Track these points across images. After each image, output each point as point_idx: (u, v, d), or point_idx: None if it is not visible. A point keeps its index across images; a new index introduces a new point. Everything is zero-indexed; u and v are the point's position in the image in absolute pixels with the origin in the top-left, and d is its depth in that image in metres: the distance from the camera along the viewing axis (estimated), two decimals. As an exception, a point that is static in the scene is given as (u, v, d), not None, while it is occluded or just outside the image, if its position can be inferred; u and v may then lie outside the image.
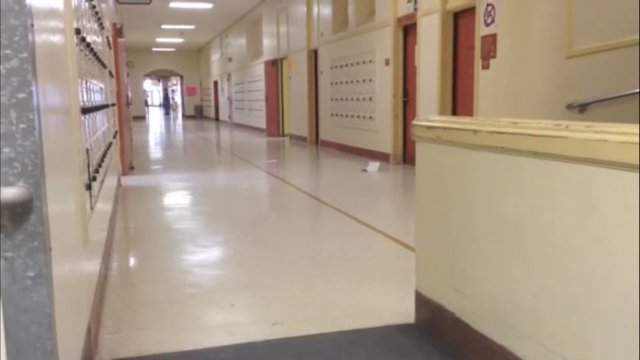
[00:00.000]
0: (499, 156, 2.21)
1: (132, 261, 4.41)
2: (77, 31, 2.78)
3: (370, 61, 10.31)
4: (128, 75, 13.41)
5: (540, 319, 2.04)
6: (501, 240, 2.23)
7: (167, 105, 40.02)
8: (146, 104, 37.62)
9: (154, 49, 29.94)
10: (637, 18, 5.90)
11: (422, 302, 2.84)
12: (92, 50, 3.61)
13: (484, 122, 2.36)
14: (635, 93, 5.96)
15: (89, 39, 3.39)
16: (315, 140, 13.79)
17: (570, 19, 6.10)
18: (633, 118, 4.91)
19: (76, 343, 2.05)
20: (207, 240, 4.82)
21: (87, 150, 2.92)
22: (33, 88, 1.35)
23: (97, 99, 4.06)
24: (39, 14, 1.58)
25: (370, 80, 10.35)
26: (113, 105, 6.82)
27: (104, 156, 4.05)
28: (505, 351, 2.22)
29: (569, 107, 6.09)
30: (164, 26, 21.16)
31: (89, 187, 2.83)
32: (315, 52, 13.45)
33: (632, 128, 1.68)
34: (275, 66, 16.64)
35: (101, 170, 3.64)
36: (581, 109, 6.07)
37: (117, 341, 2.78)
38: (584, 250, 1.85)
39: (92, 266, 2.96)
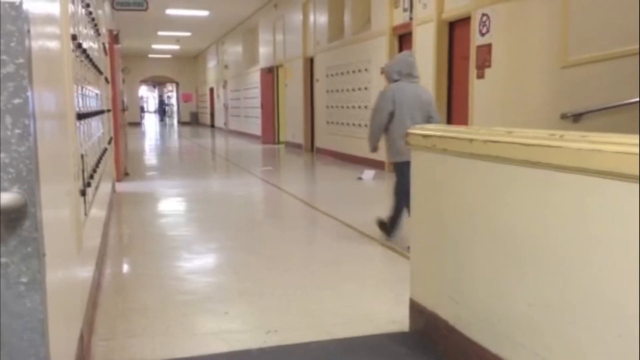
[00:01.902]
0: (494, 165, 2.22)
1: (125, 268, 4.39)
2: (74, 37, 2.78)
3: (365, 69, 10.34)
4: (124, 81, 13.41)
5: (535, 328, 2.04)
6: (496, 248, 2.24)
7: (162, 111, 39.96)
8: (142, 110, 37.55)
9: (150, 56, 29.94)
10: (631, 29, 5.94)
11: (417, 311, 2.83)
12: (88, 56, 3.61)
13: (478, 131, 2.37)
14: (628, 103, 6.00)
15: (85, 45, 3.39)
16: (311, 148, 13.80)
17: (566, 29, 6.14)
18: (627, 128, 4.94)
19: (69, 350, 2.04)
20: (201, 248, 4.81)
21: (82, 156, 2.91)
22: (29, 94, 1.35)
23: (93, 104, 4.06)
24: (36, 20, 1.59)
25: (365, 88, 10.38)
26: (108, 111, 6.82)
27: (98, 162, 4.05)
28: (500, 360, 2.21)
29: (563, 116, 6.12)
30: (160, 33, 21.18)
31: (83, 193, 2.82)
32: (311, 60, 13.48)
33: (626, 138, 1.69)
34: (271, 74, 16.66)
35: (96, 176, 3.63)
36: (575, 118, 6.10)
37: (110, 348, 2.77)
38: (579, 259, 1.85)
39: (86, 272, 2.95)
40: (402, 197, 4.47)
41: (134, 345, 2.79)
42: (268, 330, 2.95)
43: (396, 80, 4.59)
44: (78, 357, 2.22)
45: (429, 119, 4.49)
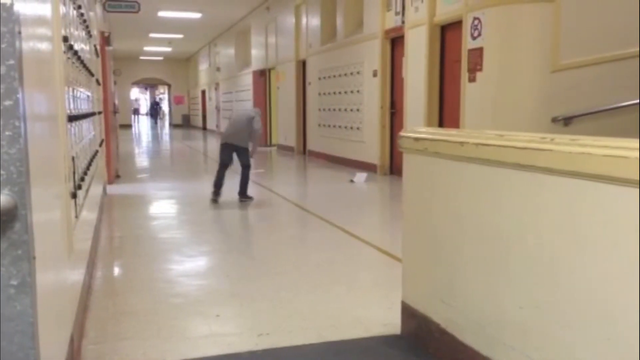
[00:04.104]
0: (485, 168, 2.23)
1: (116, 271, 4.37)
2: (65, 39, 2.77)
3: (358, 72, 10.36)
4: (115, 83, 13.36)
5: (525, 331, 2.05)
6: (488, 251, 2.25)
7: (154, 114, 39.83)
8: (135, 113, 37.38)
9: (142, 58, 29.85)
10: (621, 33, 5.99)
11: (409, 313, 2.84)
12: (79, 58, 3.60)
13: (470, 134, 2.38)
14: (619, 107, 6.05)
15: (76, 47, 3.38)
16: (303, 151, 13.80)
17: (557, 33, 6.19)
18: (617, 131, 4.97)
19: (59, 353, 2.02)
20: (193, 250, 4.79)
21: (73, 158, 2.90)
22: (20, 95, 1.34)
23: (84, 106, 4.04)
24: (27, 21, 1.58)
25: (358, 91, 10.40)
26: (100, 113, 6.79)
27: (89, 164, 4.03)
28: (491, 363, 2.22)
29: (554, 120, 6.17)
30: (152, 35, 21.12)
31: (74, 196, 2.80)
32: (304, 63, 13.49)
33: (617, 142, 1.70)
34: (263, 76, 16.65)
35: (87, 178, 3.61)
36: (566, 122, 6.15)
37: (101, 352, 2.75)
38: (569, 262, 1.86)
39: (76, 275, 2.94)
40: (221, 167, 7.01)
41: (124, 349, 2.78)
42: (260, 333, 2.94)
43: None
44: (68, 361, 2.21)
45: (253, 127, 6.93)
